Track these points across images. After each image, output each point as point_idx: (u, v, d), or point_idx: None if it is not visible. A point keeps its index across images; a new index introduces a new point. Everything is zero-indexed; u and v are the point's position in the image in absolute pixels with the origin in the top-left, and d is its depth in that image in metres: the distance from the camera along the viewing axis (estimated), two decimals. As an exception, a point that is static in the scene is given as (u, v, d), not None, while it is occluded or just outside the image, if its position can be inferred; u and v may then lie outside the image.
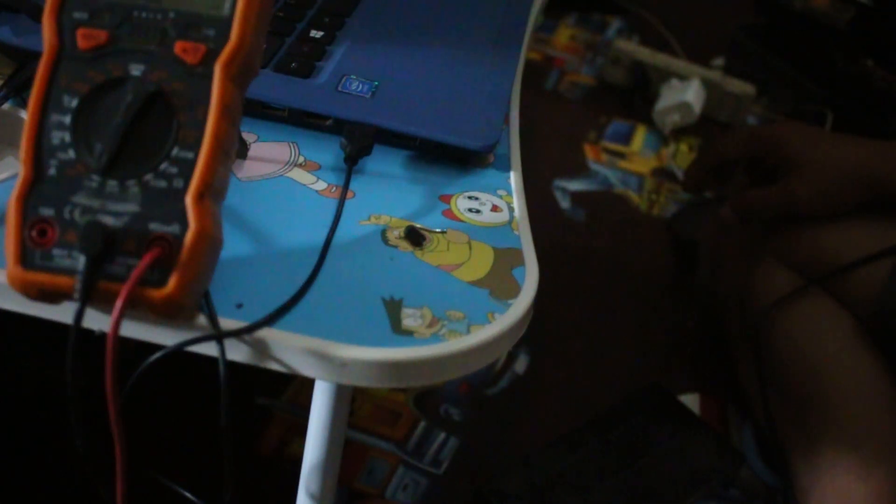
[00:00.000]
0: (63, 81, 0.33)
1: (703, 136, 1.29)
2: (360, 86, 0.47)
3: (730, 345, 0.91)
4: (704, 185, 0.89)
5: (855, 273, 0.75)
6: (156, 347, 0.34)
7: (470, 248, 0.40)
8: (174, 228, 0.31)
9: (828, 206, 0.78)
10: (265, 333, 0.34)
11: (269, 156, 0.43)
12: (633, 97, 1.34)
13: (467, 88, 0.49)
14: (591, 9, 1.55)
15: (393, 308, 0.36)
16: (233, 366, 0.34)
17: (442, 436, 0.84)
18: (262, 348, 0.34)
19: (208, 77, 0.33)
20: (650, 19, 1.50)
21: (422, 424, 0.84)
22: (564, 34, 1.51)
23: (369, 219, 0.41)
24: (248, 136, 0.44)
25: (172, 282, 0.31)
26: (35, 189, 0.32)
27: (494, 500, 0.75)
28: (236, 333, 0.33)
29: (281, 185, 0.42)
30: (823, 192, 0.77)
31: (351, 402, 0.47)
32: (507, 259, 0.40)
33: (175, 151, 0.32)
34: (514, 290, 0.38)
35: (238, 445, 0.33)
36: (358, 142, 0.42)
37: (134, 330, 0.34)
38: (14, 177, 0.38)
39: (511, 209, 0.43)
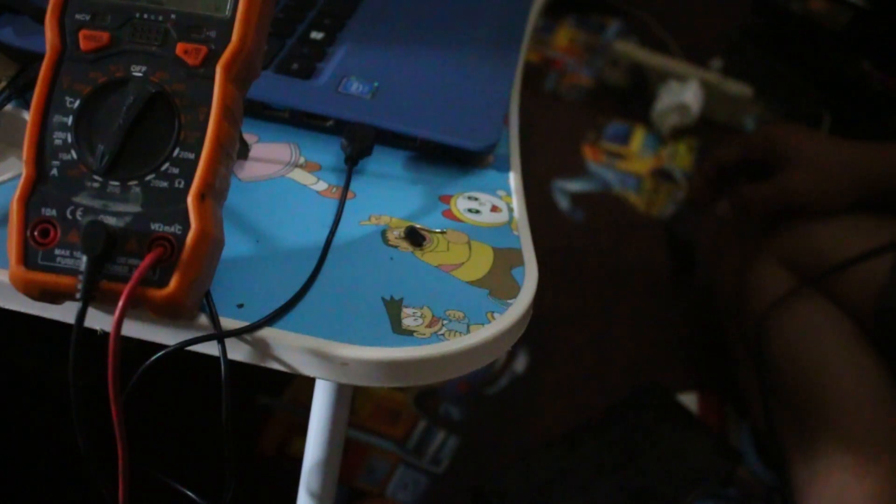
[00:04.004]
0: (65, 82, 0.33)
1: (702, 138, 1.29)
2: (361, 87, 0.47)
3: (728, 344, 0.91)
4: (709, 195, 0.89)
5: (852, 272, 0.76)
6: (157, 347, 0.34)
7: (470, 248, 0.40)
8: (176, 229, 0.32)
9: (824, 201, 0.79)
10: (266, 333, 0.34)
11: (270, 156, 0.44)
12: (631, 98, 1.34)
13: (467, 89, 0.49)
14: (590, 10, 1.56)
15: (393, 308, 0.36)
16: (234, 365, 0.34)
17: (442, 435, 0.84)
18: (262, 348, 0.34)
19: (210, 78, 0.33)
20: (649, 21, 1.50)
21: (422, 423, 0.85)
22: (563, 36, 1.51)
23: (369, 219, 0.41)
24: (249, 137, 0.44)
25: (174, 282, 0.31)
26: (37, 189, 0.32)
27: (494, 499, 0.75)
28: (237, 333, 0.34)
29: (282, 186, 0.42)
30: (819, 186, 0.78)
31: (351, 401, 0.47)
32: (506, 259, 0.40)
33: (176, 152, 0.32)
34: (514, 290, 0.38)
35: (239, 444, 0.34)
36: (358, 142, 0.43)
37: (136, 329, 0.34)
38: (16, 177, 0.38)
39: (510, 209, 0.43)
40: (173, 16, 0.34)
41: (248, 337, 0.34)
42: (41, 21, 0.34)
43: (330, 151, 0.44)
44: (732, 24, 1.44)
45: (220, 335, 0.33)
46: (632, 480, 0.78)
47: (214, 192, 0.33)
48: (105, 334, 0.31)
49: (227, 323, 0.34)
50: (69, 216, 0.32)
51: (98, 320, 0.33)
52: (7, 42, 0.43)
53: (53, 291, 0.31)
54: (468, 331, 0.36)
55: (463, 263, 0.39)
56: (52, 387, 0.79)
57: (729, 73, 1.36)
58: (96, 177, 0.32)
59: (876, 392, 0.73)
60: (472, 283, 0.38)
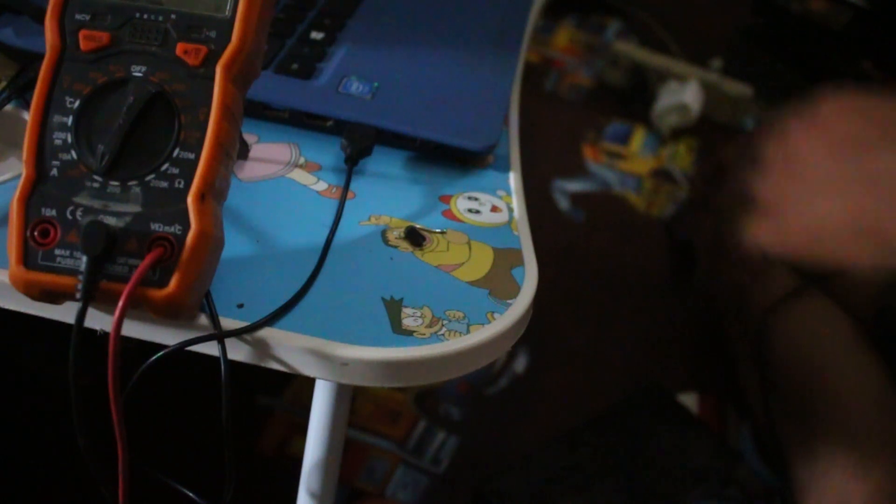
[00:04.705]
0: (65, 83, 0.33)
1: (702, 138, 1.29)
2: (361, 87, 0.47)
3: (728, 345, 0.91)
4: (710, 195, 0.89)
5: (853, 273, 0.76)
6: (158, 347, 0.34)
7: (470, 248, 0.40)
8: (176, 229, 0.32)
9: None
10: (266, 333, 0.34)
11: (270, 156, 0.44)
12: (631, 98, 1.34)
13: (467, 89, 0.49)
14: (590, 10, 1.56)
15: (393, 308, 0.36)
16: (234, 365, 0.34)
17: (442, 435, 0.84)
18: (262, 348, 0.34)
19: (210, 78, 0.33)
20: (648, 21, 1.50)
21: (422, 424, 0.85)
22: (563, 36, 1.51)
23: (369, 219, 0.41)
24: (249, 137, 0.44)
25: (174, 282, 0.31)
26: (37, 189, 0.32)
27: (494, 499, 0.75)
28: (237, 333, 0.34)
29: (282, 186, 0.42)
30: None
31: (351, 401, 0.47)
32: (506, 259, 0.40)
33: (176, 152, 0.32)
34: (514, 290, 0.38)
35: (239, 444, 0.34)
36: (358, 143, 0.43)
37: (136, 330, 0.34)
38: (17, 177, 0.38)
39: (510, 209, 0.43)
40: (173, 16, 0.34)
41: (248, 337, 0.34)
42: (41, 21, 0.34)
43: (330, 151, 0.44)
44: (732, 24, 1.44)
45: (220, 335, 0.33)
46: (631, 481, 0.78)
47: (214, 192, 0.33)
48: (105, 334, 0.31)
49: (227, 323, 0.34)
50: (69, 216, 0.32)
51: (98, 320, 0.33)
52: (7, 42, 0.44)
53: (53, 291, 0.31)
54: (468, 331, 0.36)
55: (463, 263, 0.39)
56: (52, 387, 0.79)
57: (729, 73, 1.36)
58: (96, 177, 0.32)
59: (877, 392, 0.73)
60: (472, 283, 0.38)
